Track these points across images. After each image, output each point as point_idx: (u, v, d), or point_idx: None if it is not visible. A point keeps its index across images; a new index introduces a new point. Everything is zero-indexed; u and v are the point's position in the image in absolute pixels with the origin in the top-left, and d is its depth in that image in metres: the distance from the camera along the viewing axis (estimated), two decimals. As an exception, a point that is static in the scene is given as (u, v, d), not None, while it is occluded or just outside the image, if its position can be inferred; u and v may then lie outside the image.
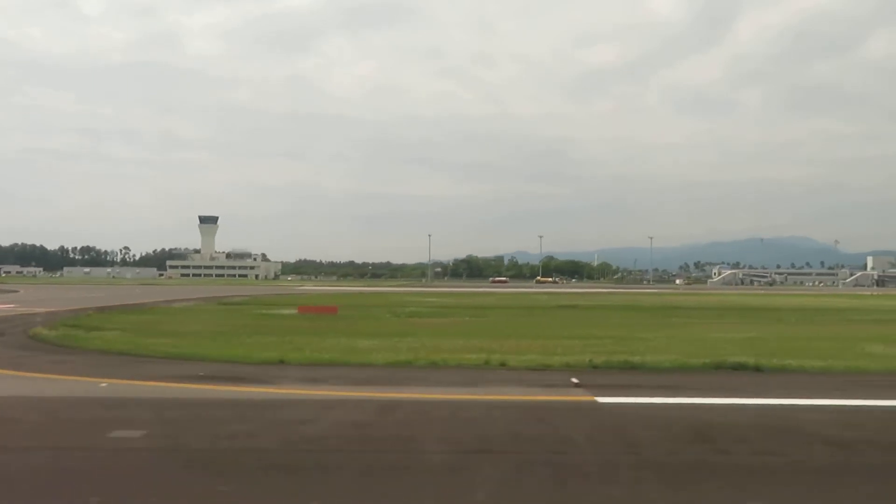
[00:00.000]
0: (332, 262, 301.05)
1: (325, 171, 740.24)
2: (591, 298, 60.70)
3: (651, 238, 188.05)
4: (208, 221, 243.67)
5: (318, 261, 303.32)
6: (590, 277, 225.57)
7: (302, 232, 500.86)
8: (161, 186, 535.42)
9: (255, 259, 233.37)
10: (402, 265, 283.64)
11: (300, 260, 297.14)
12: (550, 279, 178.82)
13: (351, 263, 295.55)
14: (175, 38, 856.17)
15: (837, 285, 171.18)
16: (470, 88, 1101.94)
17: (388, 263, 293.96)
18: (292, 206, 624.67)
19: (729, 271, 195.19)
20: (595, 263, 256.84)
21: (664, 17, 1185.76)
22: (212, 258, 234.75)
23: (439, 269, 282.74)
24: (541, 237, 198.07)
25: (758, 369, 14.26)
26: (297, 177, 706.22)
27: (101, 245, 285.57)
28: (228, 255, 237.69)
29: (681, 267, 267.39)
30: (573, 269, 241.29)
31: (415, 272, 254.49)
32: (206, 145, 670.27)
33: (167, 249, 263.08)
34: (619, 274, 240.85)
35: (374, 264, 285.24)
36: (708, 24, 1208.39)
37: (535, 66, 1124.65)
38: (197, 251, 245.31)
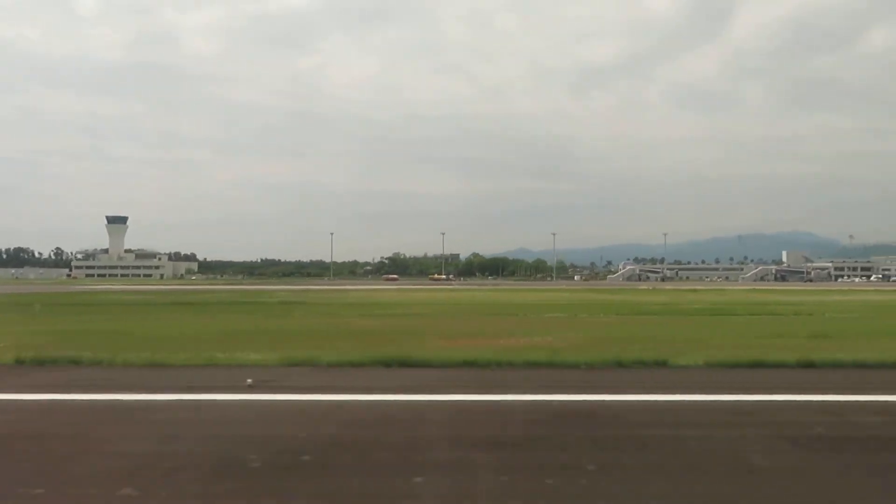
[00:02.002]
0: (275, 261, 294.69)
1: (326, 169, 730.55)
2: (400, 296, 58.69)
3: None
4: (116, 222, 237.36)
5: (279, 259, 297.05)
6: (512, 274, 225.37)
7: (303, 230, 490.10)
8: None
9: (159, 259, 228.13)
10: (344, 263, 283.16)
11: (265, 259, 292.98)
12: (444, 277, 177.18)
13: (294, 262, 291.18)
14: (172, 37, 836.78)
15: (738, 280, 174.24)
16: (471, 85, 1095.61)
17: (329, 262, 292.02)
18: (293, 205, 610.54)
19: (629, 266, 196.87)
20: (531, 261, 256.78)
21: (662, 12, 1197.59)
22: (119, 258, 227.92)
23: (369, 268, 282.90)
24: (554, 234, 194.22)
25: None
26: (298, 176, 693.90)
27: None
28: (137, 255, 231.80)
29: (605, 262, 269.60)
30: (501, 266, 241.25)
31: (344, 270, 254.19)
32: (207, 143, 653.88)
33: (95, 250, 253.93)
34: (543, 273, 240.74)
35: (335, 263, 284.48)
36: (706, 18, 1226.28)
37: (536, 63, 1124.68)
38: (104, 250, 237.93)
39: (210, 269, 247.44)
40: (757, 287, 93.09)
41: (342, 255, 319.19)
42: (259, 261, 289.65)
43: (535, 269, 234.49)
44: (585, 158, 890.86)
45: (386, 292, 64.37)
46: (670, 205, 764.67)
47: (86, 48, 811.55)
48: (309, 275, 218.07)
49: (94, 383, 9.96)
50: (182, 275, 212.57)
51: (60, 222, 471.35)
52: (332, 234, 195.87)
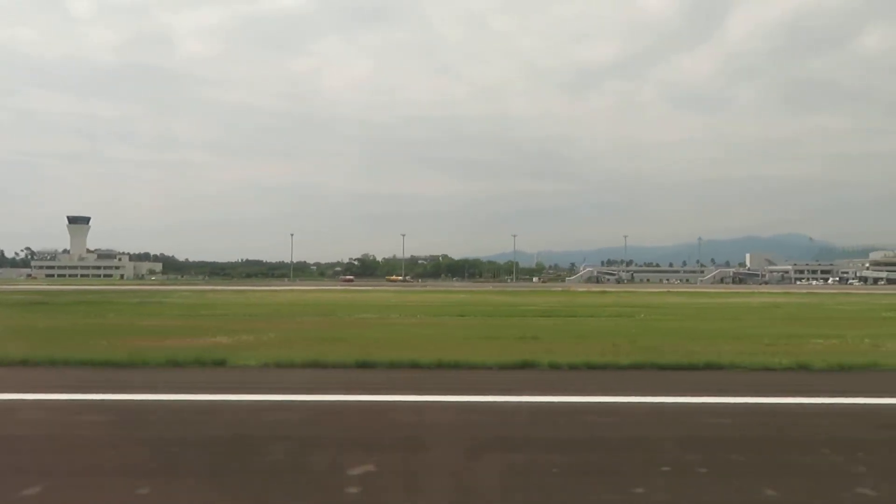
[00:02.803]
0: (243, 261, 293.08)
1: (322, 170, 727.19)
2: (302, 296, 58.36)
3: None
4: (78, 222, 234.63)
5: (262, 260, 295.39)
6: (478, 276, 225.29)
7: (298, 232, 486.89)
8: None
9: (119, 259, 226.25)
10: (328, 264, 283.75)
11: (248, 260, 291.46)
12: (400, 278, 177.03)
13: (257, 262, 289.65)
14: (167, 39, 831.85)
15: (696, 282, 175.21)
16: (466, 86, 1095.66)
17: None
18: (290, 207, 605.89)
19: (588, 269, 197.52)
20: (502, 263, 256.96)
21: (658, 12, 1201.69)
22: (80, 258, 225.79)
23: (339, 269, 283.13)
24: (514, 236, 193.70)
25: None
26: (294, 177, 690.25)
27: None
28: (99, 256, 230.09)
29: (571, 264, 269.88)
30: (467, 268, 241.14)
31: (327, 271, 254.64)
32: (202, 145, 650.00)
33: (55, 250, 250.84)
34: (511, 275, 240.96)
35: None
36: (702, 19, 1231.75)
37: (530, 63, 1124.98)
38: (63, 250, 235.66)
39: (181, 269, 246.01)
40: (688, 290, 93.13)
41: (333, 257, 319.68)
42: (241, 261, 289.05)
43: (507, 272, 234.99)
44: (581, 159, 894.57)
45: (303, 294, 63.87)
46: (668, 206, 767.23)
47: (80, 49, 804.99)
48: (273, 276, 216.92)
49: None
50: (143, 275, 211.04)
51: (47, 223, 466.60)
52: (291, 235, 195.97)
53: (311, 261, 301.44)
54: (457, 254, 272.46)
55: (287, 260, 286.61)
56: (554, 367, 11.10)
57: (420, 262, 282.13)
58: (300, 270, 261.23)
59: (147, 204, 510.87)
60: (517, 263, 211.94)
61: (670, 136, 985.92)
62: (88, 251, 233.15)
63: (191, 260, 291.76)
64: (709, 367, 11.31)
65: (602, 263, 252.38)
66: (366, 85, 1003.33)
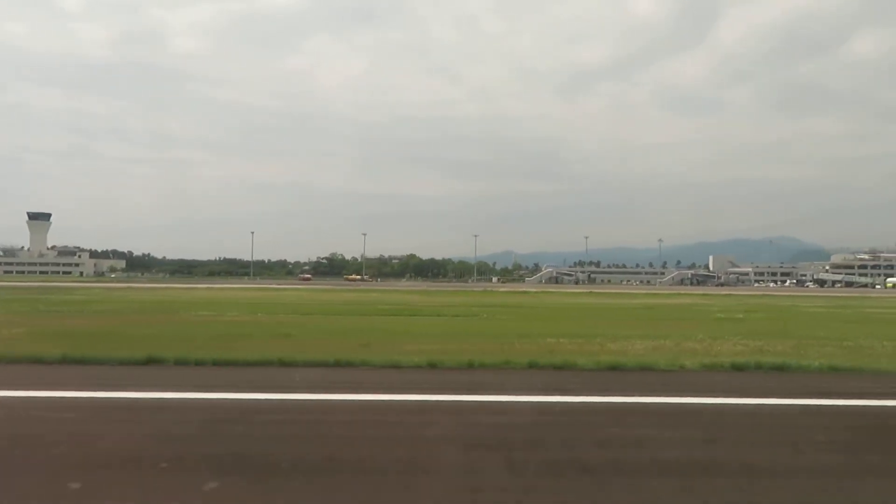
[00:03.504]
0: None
1: (315, 170, 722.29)
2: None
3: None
4: (38, 218, 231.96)
5: (238, 259, 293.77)
6: (443, 276, 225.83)
7: (295, 230, 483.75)
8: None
9: (79, 256, 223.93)
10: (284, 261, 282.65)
11: (226, 259, 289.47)
12: (358, 277, 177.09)
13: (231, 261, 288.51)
14: (159, 35, 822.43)
15: (655, 284, 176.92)
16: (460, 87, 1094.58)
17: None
18: (285, 206, 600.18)
19: (548, 269, 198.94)
20: (472, 263, 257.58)
21: (650, 15, 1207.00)
22: (40, 255, 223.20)
23: (307, 268, 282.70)
24: (475, 236, 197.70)
25: None
26: (287, 176, 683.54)
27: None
28: (59, 253, 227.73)
29: (531, 265, 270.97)
30: (432, 268, 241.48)
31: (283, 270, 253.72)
32: (196, 143, 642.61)
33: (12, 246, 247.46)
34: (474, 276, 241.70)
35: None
36: (694, 22, 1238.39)
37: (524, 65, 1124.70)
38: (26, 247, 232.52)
39: (147, 266, 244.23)
40: (620, 291, 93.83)
41: (319, 255, 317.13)
42: (217, 259, 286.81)
43: (481, 272, 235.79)
44: (575, 161, 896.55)
45: (222, 291, 63.69)
46: (660, 208, 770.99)
47: (72, 45, 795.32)
48: (237, 274, 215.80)
49: None
50: (104, 272, 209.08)
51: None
52: (252, 232, 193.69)
53: (292, 259, 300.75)
54: (448, 254, 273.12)
55: (273, 258, 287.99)
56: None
57: (392, 261, 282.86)
58: (268, 269, 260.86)
59: (138, 201, 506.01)
60: (476, 264, 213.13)
61: (664, 138, 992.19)
62: (50, 248, 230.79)
63: (168, 258, 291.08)
64: (385, 365, 11.73)
65: (586, 264, 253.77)
66: (359, 84, 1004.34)
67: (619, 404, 8.62)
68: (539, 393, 9.17)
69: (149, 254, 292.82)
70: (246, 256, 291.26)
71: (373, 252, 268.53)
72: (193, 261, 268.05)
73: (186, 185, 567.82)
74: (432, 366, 11.57)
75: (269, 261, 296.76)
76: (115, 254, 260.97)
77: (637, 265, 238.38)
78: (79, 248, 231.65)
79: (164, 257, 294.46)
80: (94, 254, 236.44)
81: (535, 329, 19.97)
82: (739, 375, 11.23)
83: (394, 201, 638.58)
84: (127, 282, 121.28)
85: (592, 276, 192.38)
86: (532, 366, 11.66)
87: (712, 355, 13.27)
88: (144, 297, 46.12)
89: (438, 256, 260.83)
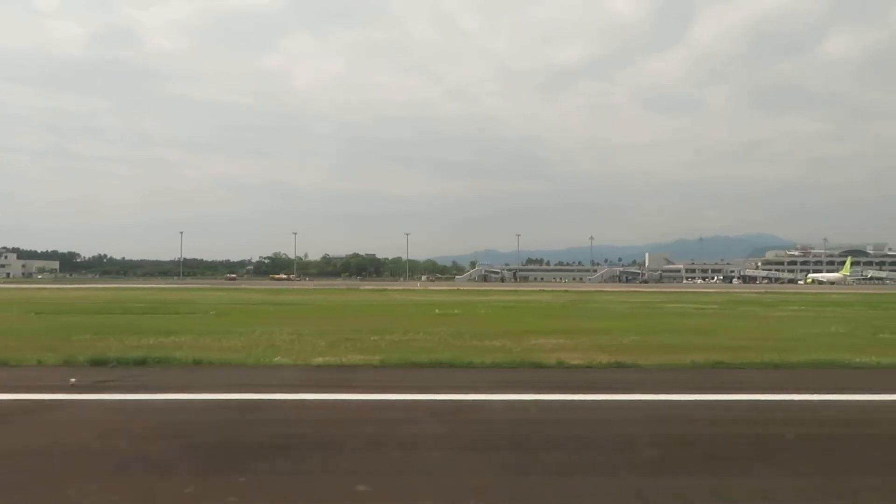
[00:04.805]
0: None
1: (299, 169, 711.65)
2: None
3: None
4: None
5: (202, 259, 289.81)
6: (379, 275, 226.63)
7: (271, 230, 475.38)
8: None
9: (5, 257, 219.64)
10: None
11: (190, 259, 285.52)
12: (284, 277, 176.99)
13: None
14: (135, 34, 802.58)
15: (586, 281, 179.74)
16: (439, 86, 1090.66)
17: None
18: (265, 205, 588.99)
19: (478, 267, 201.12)
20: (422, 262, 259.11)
21: (628, 15, 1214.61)
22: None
23: (250, 268, 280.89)
24: (407, 234, 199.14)
25: None
26: (270, 175, 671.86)
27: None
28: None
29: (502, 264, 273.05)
30: (371, 265, 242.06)
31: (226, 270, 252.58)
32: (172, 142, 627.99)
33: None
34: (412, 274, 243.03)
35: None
36: (670, 22, 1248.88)
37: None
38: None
39: (89, 267, 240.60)
40: (525, 289, 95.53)
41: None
42: (174, 260, 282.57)
43: (416, 270, 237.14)
44: (557, 160, 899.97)
45: (98, 292, 63.20)
46: (640, 207, 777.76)
47: (44, 43, 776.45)
48: (167, 275, 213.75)
49: None
50: (32, 273, 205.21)
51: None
52: (181, 232, 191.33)
53: (254, 259, 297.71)
54: (431, 254, 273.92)
55: (241, 259, 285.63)
56: None
57: (337, 260, 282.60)
58: (230, 269, 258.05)
59: (116, 201, 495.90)
60: (407, 262, 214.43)
61: (644, 137, 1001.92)
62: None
63: (127, 258, 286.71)
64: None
65: (535, 262, 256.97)
66: (338, 83, 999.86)
67: None
68: None
69: (106, 255, 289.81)
70: (217, 256, 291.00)
71: (349, 250, 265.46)
72: (156, 261, 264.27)
73: (165, 185, 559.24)
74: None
75: (229, 261, 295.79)
76: (66, 255, 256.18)
77: (582, 262, 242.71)
78: (6, 248, 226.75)
79: (124, 258, 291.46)
80: (22, 254, 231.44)
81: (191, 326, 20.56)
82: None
83: (375, 200, 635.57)
84: (51, 283, 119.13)
85: (523, 274, 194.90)
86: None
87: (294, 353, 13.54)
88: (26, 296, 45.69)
89: (424, 256, 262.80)
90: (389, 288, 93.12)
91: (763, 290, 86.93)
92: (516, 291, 69.96)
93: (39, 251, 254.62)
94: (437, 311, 29.18)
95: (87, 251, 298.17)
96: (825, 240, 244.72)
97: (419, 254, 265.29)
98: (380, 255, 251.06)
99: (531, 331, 18.70)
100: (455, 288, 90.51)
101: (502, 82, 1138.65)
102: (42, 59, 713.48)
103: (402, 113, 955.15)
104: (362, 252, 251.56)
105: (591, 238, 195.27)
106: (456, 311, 28.87)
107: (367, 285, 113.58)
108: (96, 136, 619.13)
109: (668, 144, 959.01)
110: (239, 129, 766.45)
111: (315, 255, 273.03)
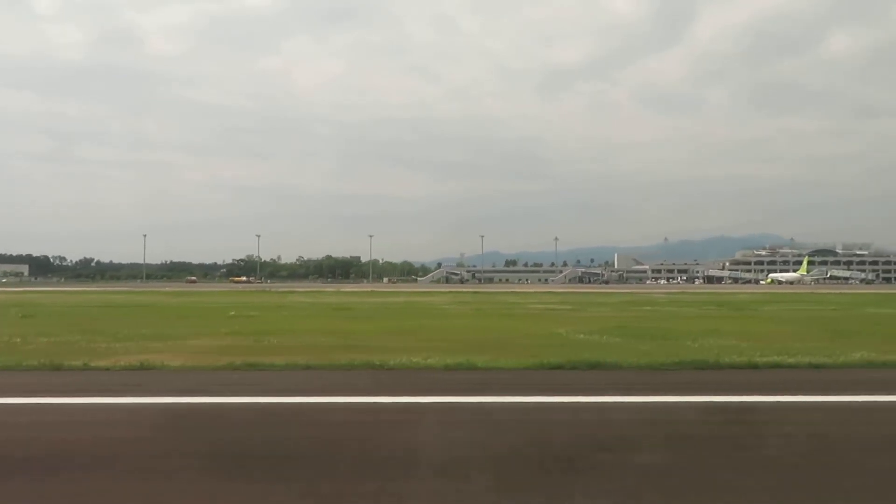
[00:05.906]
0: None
1: (297, 171, 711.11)
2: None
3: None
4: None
5: (190, 262, 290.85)
6: (354, 276, 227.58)
7: (278, 232, 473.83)
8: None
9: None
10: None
11: (174, 262, 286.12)
12: (244, 279, 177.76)
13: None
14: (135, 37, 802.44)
15: (548, 282, 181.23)
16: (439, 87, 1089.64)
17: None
18: (265, 208, 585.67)
19: (441, 269, 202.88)
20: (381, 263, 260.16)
21: (627, 14, 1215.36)
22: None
23: (224, 270, 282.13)
24: (371, 236, 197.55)
25: None
26: (271, 178, 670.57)
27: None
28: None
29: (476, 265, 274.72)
30: (341, 268, 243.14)
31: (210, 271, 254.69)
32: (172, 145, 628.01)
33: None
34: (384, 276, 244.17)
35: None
36: (670, 21, 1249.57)
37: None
38: None
39: (69, 272, 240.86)
40: (476, 290, 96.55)
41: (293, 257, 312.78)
42: (163, 263, 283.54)
43: (394, 273, 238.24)
44: (558, 160, 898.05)
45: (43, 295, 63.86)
46: (642, 207, 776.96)
47: (45, 47, 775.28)
48: (128, 278, 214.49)
49: None
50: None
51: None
52: (145, 235, 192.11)
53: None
54: (432, 255, 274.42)
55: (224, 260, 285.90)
56: None
57: (311, 262, 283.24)
58: (186, 271, 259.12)
59: (115, 204, 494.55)
60: (371, 264, 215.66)
61: (644, 136, 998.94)
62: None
63: (115, 262, 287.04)
64: None
65: (513, 263, 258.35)
66: (339, 85, 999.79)
67: None
68: None
69: (94, 258, 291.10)
70: (215, 259, 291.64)
71: (356, 252, 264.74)
72: (138, 265, 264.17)
73: (165, 188, 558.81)
74: None
75: (216, 263, 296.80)
76: (40, 259, 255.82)
77: (550, 264, 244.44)
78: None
79: (111, 261, 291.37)
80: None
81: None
82: None
83: (377, 202, 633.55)
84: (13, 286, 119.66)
85: (487, 276, 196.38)
86: None
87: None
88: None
89: (421, 259, 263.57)
90: (326, 290, 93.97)
91: (696, 291, 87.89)
92: (429, 294, 71.09)
93: (14, 255, 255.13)
94: (231, 312, 29.93)
95: (77, 255, 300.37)
96: (792, 239, 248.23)
97: (421, 256, 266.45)
98: (376, 257, 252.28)
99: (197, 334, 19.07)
100: (394, 290, 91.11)
101: (502, 82, 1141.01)
102: (43, 63, 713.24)
103: (402, 114, 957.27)
104: (360, 254, 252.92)
105: (556, 238, 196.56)
106: (252, 314, 29.60)
107: (314, 288, 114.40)
108: (97, 139, 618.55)
109: (669, 143, 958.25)
110: (239, 132, 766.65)
111: (316, 257, 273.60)
